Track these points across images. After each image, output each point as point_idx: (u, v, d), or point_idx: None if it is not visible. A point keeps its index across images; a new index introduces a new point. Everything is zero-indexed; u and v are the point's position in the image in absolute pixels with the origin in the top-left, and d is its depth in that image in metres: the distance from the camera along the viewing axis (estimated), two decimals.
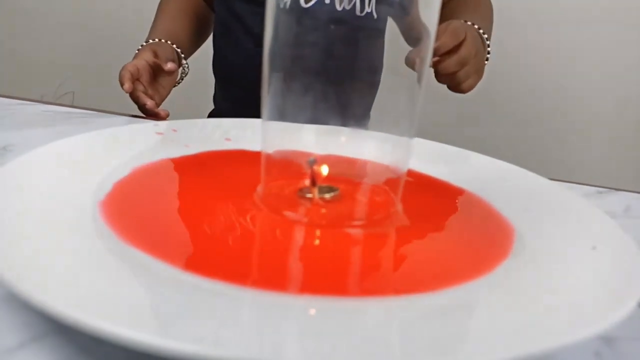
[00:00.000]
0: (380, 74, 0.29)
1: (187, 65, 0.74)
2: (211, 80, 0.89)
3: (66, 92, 1.34)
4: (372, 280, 0.22)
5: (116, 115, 0.53)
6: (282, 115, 0.30)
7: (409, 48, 0.28)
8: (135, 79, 0.63)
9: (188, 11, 0.81)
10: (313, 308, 0.20)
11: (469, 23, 0.63)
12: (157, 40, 0.71)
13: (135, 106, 0.63)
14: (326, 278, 0.22)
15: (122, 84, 0.61)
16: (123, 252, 0.22)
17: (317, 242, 0.25)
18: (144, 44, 0.71)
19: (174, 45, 0.72)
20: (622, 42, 1.27)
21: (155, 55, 0.67)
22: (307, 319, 0.19)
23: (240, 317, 0.19)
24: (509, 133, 1.34)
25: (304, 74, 0.29)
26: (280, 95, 0.30)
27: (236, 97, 0.81)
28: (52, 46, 1.46)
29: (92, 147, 0.32)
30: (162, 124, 0.38)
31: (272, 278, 0.21)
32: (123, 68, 0.63)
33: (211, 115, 0.88)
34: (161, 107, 0.66)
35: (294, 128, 0.32)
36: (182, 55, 0.73)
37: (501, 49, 1.30)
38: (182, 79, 0.74)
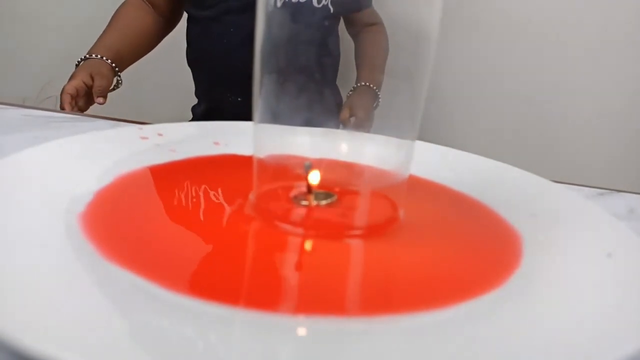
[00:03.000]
0: (338, 63, 0.29)
1: (120, 80, 0.87)
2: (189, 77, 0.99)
3: (49, 95, 1.31)
4: (374, 298, 0.21)
5: (100, 119, 0.51)
6: (273, 116, 0.29)
7: (409, 51, 0.27)
8: (74, 99, 0.76)
9: (135, 27, 0.93)
10: (310, 330, 0.18)
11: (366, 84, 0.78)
12: (96, 56, 0.84)
13: (120, 110, 0.67)
14: (324, 296, 0.20)
15: (62, 108, 0.75)
16: (104, 270, 0.20)
17: (313, 255, 0.23)
18: (86, 56, 0.84)
19: (111, 62, 0.84)
20: (624, 41, 1.27)
21: (92, 78, 0.79)
22: (303, 341, 0.18)
23: (230, 340, 0.17)
24: (504, 133, 1.34)
25: (284, 71, 0.28)
26: (271, 95, 0.28)
27: (211, 82, 0.93)
28: (35, 49, 1.43)
29: (71, 153, 0.30)
30: (147, 128, 0.36)
31: (265, 297, 0.19)
32: (63, 91, 0.77)
33: (195, 107, 0.99)
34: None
35: (287, 131, 0.30)
36: (117, 70, 0.85)
37: (500, 50, 1.30)
38: (115, 89, 0.87)
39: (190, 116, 1.00)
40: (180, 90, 1.18)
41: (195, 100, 1.00)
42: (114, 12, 1.12)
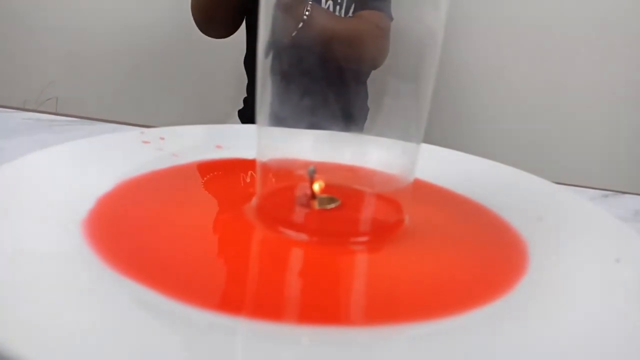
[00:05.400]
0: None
1: None
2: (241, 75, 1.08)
3: (49, 97, 1.31)
4: (379, 307, 0.20)
5: (101, 123, 0.51)
6: (278, 119, 0.28)
7: (414, 53, 0.27)
8: None
9: None
10: (314, 339, 0.18)
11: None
12: None
13: (121, 114, 0.66)
14: (328, 305, 0.20)
15: None
16: (105, 278, 0.20)
17: (317, 262, 0.23)
18: None
19: None
20: (626, 41, 1.26)
21: None
22: (308, 352, 0.17)
23: (233, 350, 0.17)
24: (507, 134, 1.34)
25: (298, 76, 0.28)
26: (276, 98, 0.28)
27: None
28: (35, 50, 1.43)
29: (73, 159, 0.30)
30: (149, 132, 0.36)
31: (269, 306, 0.19)
32: None
33: (245, 101, 1.11)
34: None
35: (291, 134, 0.30)
36: None
37: (501, 50, 1.29)
38: None
39: (241, 105, 1.12)
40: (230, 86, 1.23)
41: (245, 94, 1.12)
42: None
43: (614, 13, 1.24)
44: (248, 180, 0.32)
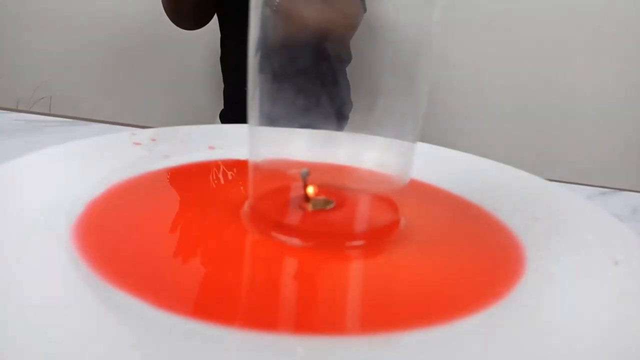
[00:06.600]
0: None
1: None
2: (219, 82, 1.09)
3: (43, 97, 1.30)
4: (375, 315, 0.20)
5: (94, 123, 0.50)
6: (269, 118, 0.28)
7: (410, 51, 0.26)
8: None
9: None
10: (309, 350, 0.17)
11: None
12: None
13: (114, 113, 0.66)
14: (324, 313, 0.19)
15: None
16: (94, 287, 0.19)
17: (312, 269, 0.22)
18: None
19: None
20: (623, 38, 1.26)
21: None
22: None
23: None
24: (503, 131, 1.33)
25: (287, 73, 0.28)
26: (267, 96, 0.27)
27: (242, 91, 1.07)
28: (29, 49, 1.42)
29: (61, 162, 0.30)
30: (140, 133, 0.35)
31: (263, 316, 0.19)
32: None
33: (222, 111, 1.12)
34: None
35: (284, 133, 0.29)
36: None
37: (499, 46, 1.29)
38: None
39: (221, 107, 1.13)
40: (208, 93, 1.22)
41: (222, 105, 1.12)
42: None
43: (613, 11, 1.23)
44: (220, 179, 0.31)
